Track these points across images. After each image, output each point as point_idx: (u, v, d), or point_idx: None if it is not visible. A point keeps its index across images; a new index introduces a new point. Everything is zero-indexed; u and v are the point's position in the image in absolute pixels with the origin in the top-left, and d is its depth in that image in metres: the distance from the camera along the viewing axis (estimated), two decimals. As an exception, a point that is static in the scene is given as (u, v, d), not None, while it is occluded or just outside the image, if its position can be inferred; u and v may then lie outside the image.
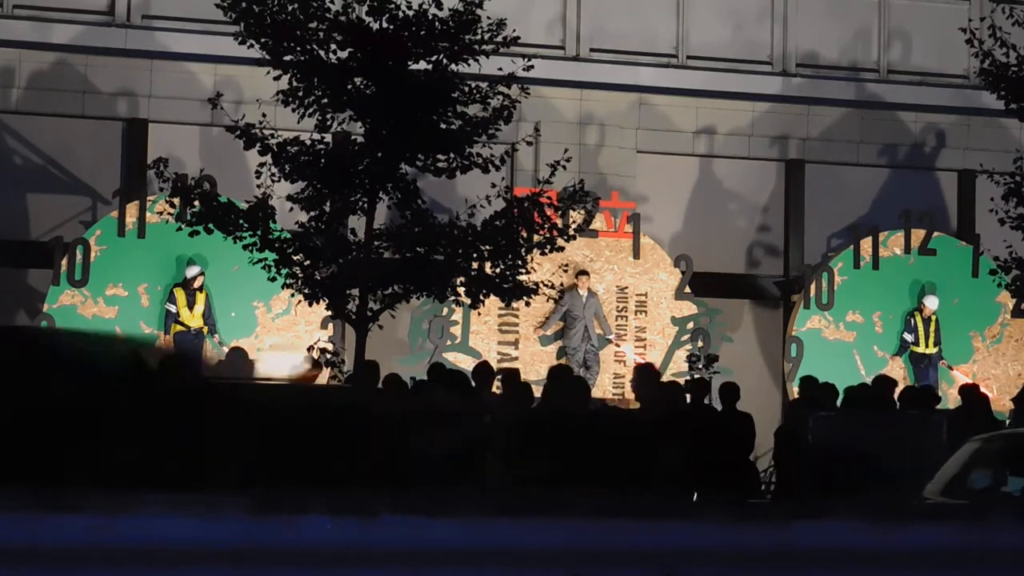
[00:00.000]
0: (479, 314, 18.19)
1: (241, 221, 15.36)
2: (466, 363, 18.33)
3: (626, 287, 20.54)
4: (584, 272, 20.07)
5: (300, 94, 15.33)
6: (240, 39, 15.63)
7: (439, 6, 15.32)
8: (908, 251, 21.40)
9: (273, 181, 15.49)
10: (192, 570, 4.82)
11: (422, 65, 15.52)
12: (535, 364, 19.68)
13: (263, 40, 15.37)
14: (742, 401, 14.88)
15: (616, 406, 18.07)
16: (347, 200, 15.48)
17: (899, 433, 14.72)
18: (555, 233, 15.74)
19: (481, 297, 15.71)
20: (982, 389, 17.53)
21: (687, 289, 20.64)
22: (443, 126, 15.41)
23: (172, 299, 18.88)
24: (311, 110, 15.37)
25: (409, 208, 15.45)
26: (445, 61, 15.48)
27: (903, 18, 22.68)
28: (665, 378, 19.35)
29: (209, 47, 19.64)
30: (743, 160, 22.13)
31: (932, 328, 20.88)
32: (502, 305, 17.47)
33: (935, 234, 21.54)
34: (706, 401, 15.26)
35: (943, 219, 22.25)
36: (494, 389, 14.74)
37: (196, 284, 18.88)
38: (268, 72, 15.62)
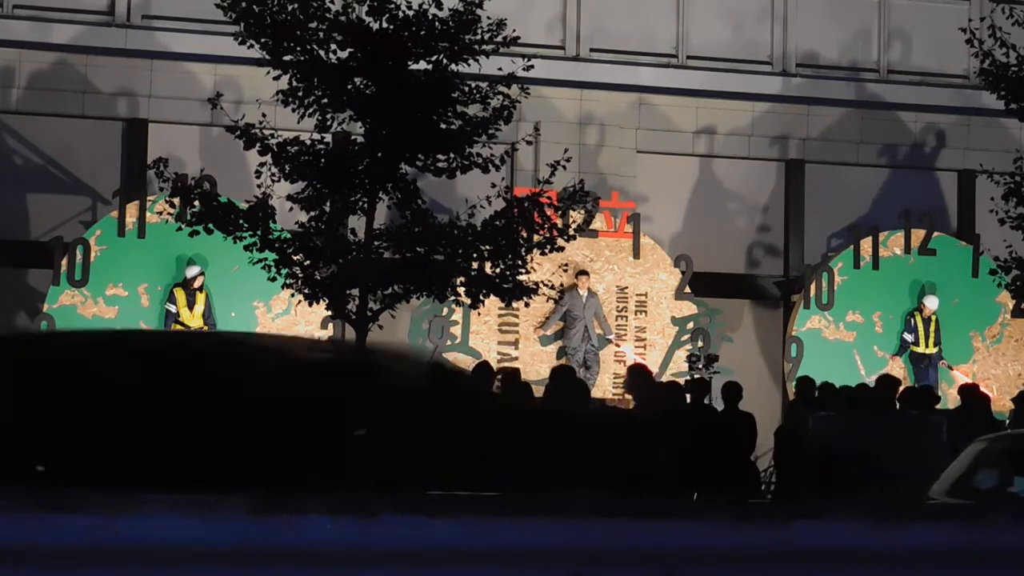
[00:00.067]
0: (479, 314, 18.19)
1: (241, 221, 15.36)
2: (466, 363, 18.33)
3: (626, 287, 20.54)
4: (584, 272, 20.07)
5: (300, 94, 15.32)
6: (240, 39, 15.63)
7: (439, 6, 15.31)
8: (908, 251, 21.40)
9: (273, 181, 15.49)
10: (192, 570, 4.81)
11: (422, 65, 15.51)
12: (535, 364, 19.68)
13: (263, 40, 15.37)
14: (742, 401, 14.88)
15: (616, 406, 18.09)
16: (347, 200, 15.48)
17: (899, 433, 14.72)
18: (555, 233, 15.74)
19: (481, 297, 15.70)
20: (982, 389, 17.54)
21: (687, 289, 20.65)
22: (443, 126, 15.40)
23: (172, 299, 18.88)
24: (311, 110, 15.37)
25: (409, 208, 15.45)
26: (445, 61, 15.47)
27: (903, 18, 22.69)
28: (665, 378, 19.38)
29: (209, 47, 19.64)
30: (743, 160, 22.14)
31: (932, 328, 20.89)
32: (502, 305, 17.47)
33: (935, 234, 21.54)
34: (706, 401, 15.26)
35: (943, 219, 22.25)
36: (494, 389, 14.74)
37: (196, 284, 18.88)
38: (268, 72, 15.62)
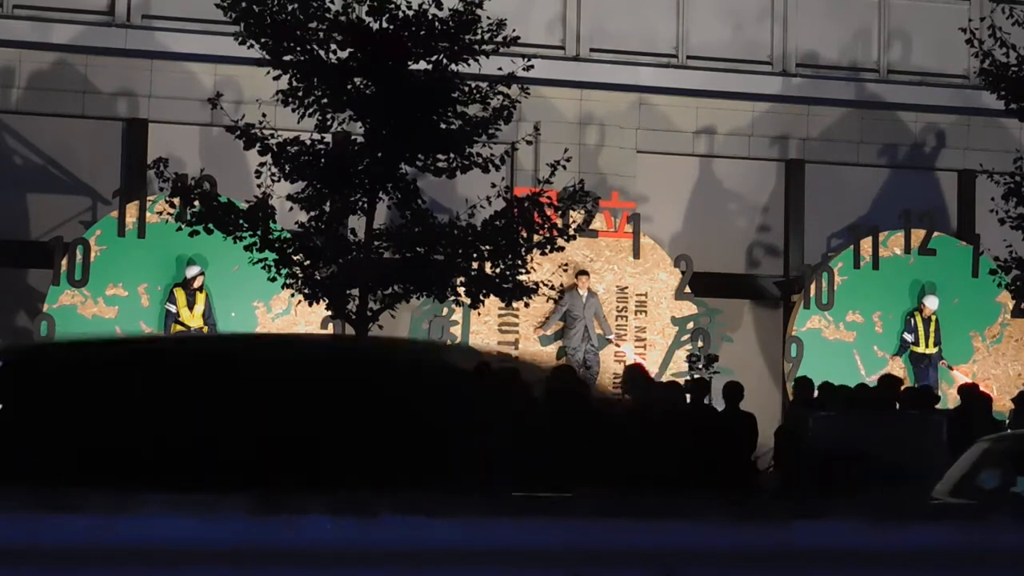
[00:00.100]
0: (479, 314, 18.19)
1: (241, 221, 15.36)
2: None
3: (626, 287, 20.54)
4: (584, 272, 20.07)
5: (300, 94, 15.33)
6: (240, 39, 15.63)
7: (439, 6, 15.31)
8: (908, 251, 21.40)
9: (273, 181, 15.49)
10: (192, 570, 4.81)
11: (422, 65, 15.52)
12: (535, 364, 19.67)
13: (263, 40, 15.37)
14: (743, 401, 14.89)
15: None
16: (347, 200, 15.48)
17: (899, 433, 14.73)
18: (555, 233, 15.74)
19: (481, 297, 15.71)
20: (982, 389, 17.54)
21: (687, 289, 20.65)
22: (443, 126, 15.40)
23: (172, 299, 18.88)
24: (311, 110, 15.37)
25: (409, 208, 15.45)
26: (445, 61, 15.47)
27: (903, 18, 22.69)
28: (665, 378, 19.39)
29: (209, 47, 19.64)
30: (743, 160, 22.14)
31: (932, 328, 20.89)
32: (502, 305, 17.47)
33: (935, 234, 21.54)
34: (706, 401, 15.27)
35: (943, 219, 22.26)
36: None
37: (196, 284, 18.88)
38: (268, 72, 15.62)
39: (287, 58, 15.37)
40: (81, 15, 20.19)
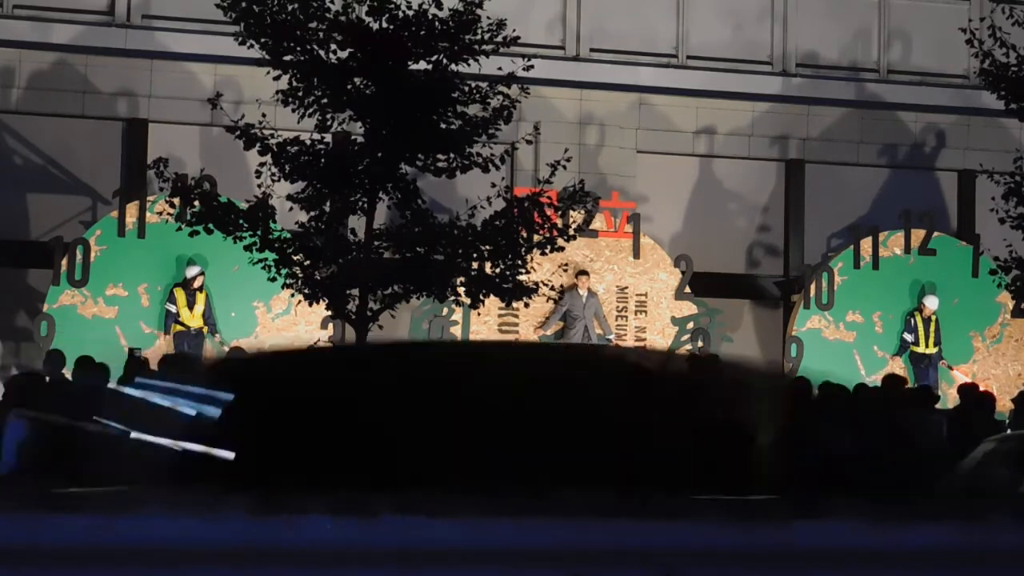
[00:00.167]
0: (479, 314, 18.18)
1: (241, 221, 15.36)
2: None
3: (626, 287, 20.55)
4: (584, 272, 20.08)
5: (300, 94, 15.32)
6: (240, 39, 15.63)
7: (439, 6, 15.31)
8: (908, 251, 21.40)
9: (273, 181, 15.49)
10: (192, 570, 4.81)
11: (422, 65, 15.51)
12: (535, 364, 19.66)
13: (263, 40, 15.37)
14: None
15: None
16: (347, 200, 15.48)
17: (899, 433, 14.69)
18: (555, 233, 15.74)
19: (481, 297, 15.71)
20: (982, 389, 17.53)
21: (687, 289, 20.65)
22: (443, 126, 15.40)
23: (172, 299, 18.88)
24: (311, 110, 15.37)
25: (409, 208, 15.45)
26: (445, 61, 15.47)
27: (903, 18, 22.69)
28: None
29: (209, 47, 19.64)
30: (743, 160, 22.14)
31: (932, 328, 20.89)
32: (502, 305, 17.47)
33: (935, 234, 21.55)
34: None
35: (943, 219, 22.26)
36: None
37: (196, 284, 18.88)
38: (268, 72, 15.62)
39: (287, 58, 15.37)
40: (81, 15, 20.20)
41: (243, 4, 15.28)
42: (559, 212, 16.06)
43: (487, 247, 15.50)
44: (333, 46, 15.42)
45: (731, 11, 22.07)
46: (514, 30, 15.80)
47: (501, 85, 15.57)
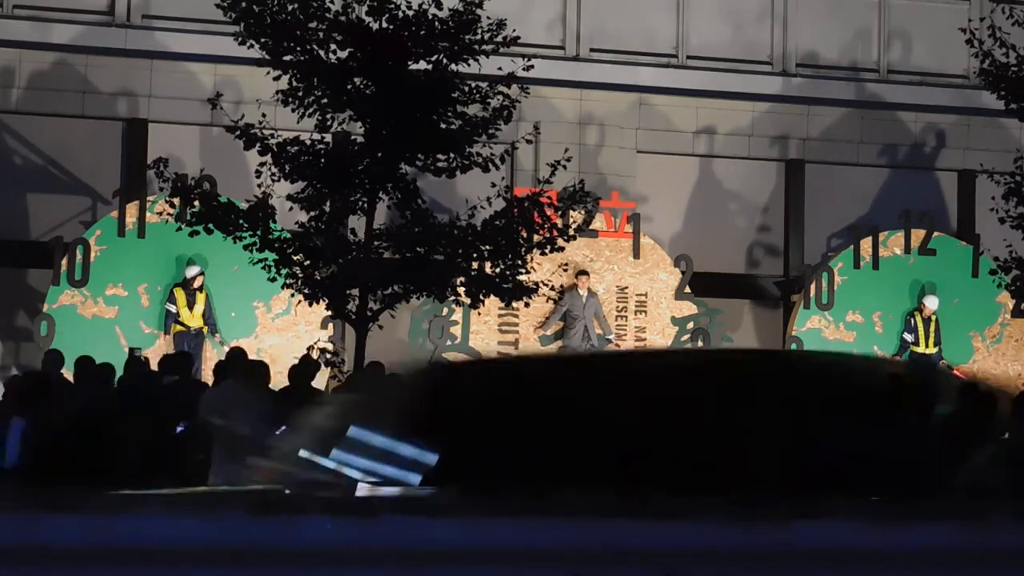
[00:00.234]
0: (479, 314, 18.19)
1: (241, 221, 15.35)
2: (466, 363, 18.32)
3: (626, 287, 20.55)
4: (584, 272, 20.08)
5: (300, 94, 15.32)
6: (240, 39, 15.62)
7: (439, 6, 15.31)
8: (908, 251, 21.40)
9: (273, 181, 15.48)
10: (192, 570, 4.81)
11: (422, 65, 15.51)
12: (535, 364, 19.66)
13: (263, 40, 15.36)
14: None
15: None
16: (347, 200, 15.47)
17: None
18: (555, 233, 15.73)
19: (481, 297, 15.70)
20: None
21: (687, 289, 20.65)
22: (443, 126, 15.40)
23: (172, 299, 18.88)
24: (311, 110, 15.36)
25: (409, 208, 15.44)
26: (445, 61, 15.47)
27: (903, 18, 22.69)
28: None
29: (209, 47, 19.64)
30: (743, 160, 22.14)
31: (932, 328, 20.89)
32: (502, 305, 17.46)
33: (935, 234, 21.54)
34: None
35: (943, 219, 22.26)
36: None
37: (196, 284, 18.88)
38: (268, 72, 15.61)
39: (287, 58, 15.36)
40: (81, 15, 20.20)
41: (243, 4, 15.28)
42: (559, 212, 16.05)
43: (487, 247, 15.50)
44: (333, 46, 15.41)
45: (731, 11, 22.07)
46: (514, 30, 15.79)
47: (501, 85, 15.57)
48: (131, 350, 17.00)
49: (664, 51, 21.91)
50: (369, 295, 15.50)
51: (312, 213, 15.44)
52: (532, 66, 15.77)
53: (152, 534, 4.85)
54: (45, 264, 19.08)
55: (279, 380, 15.13)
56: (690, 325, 20.55)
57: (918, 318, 20.90)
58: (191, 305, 18.87)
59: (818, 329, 20.90)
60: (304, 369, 14.72)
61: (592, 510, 5.15)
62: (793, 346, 20.76)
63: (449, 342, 19.87)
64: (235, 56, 16.95)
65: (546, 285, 16.53)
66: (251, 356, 15.65)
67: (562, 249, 16.15)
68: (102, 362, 14.90)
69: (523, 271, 15.74)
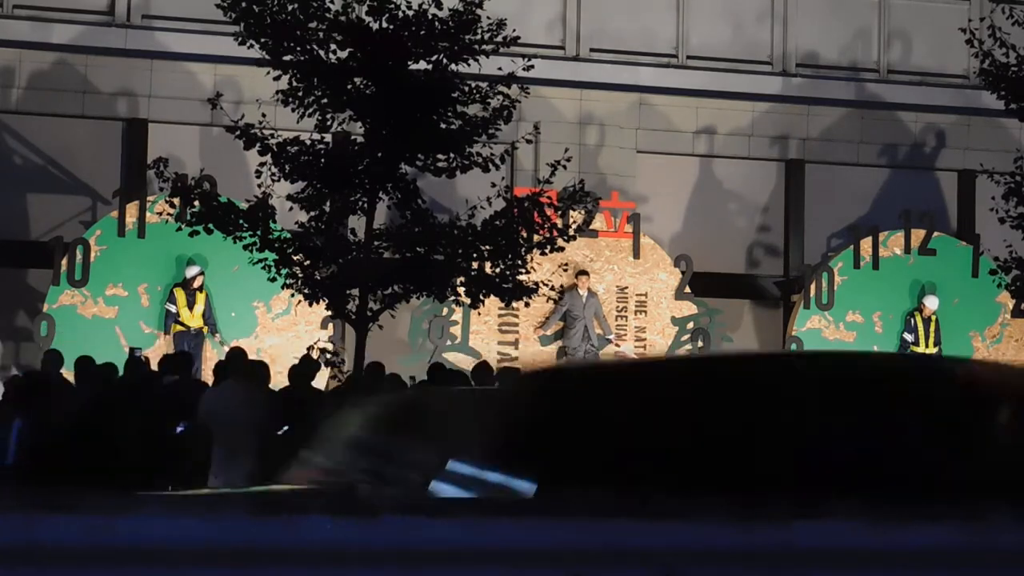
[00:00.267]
0: (479, 314, 18.19)
1: (241, 221, 15.34)
2: (466, 363, 18.35)
3: (626, 287, 20.55)
4: (584, 272, 20.08)
5: (300, 94, 15.31)
6: (240, 39, 15.61)
7: (439, 6, 15.30)
8: (908, 251, 21.41)
9: (273, 181, 15.47)
10: (192, 570, 4.81)
11: (422, 65, 15.50)
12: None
13: (263, 40, 15.36)
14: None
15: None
16: (347, 200, 15.47)
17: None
18: (555, 233, 15.73)
19: (481, 297, 15.70)
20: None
21: (687, 289, 20.65)
22: (443, 126, 15.39)
23: (172, 299, 18.88)
24: (311, 110, 15.35)
25: (409, 208, 15.44)
26: (445, 61, 15.46)
27: (903, 18, 22.70)
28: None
29: (209, 47, 19.65)
30: (743, 160, 22.15)
31: (932, 328, 20.90)
32: (502, 305, 17.46)
33: (935, 234, 21.55)
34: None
35: (943, 219, 22.27)
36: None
37: (196, 284, 18.88)
38: (268, 72, 15.61)
39: (287, 58, 15.35)
40: (81, 15, 20.20)
41: (243, 4, 15.27)
42: (559, 212, 16.04)
43: (487, 247, 15.49)
44: (333, 46, 15.41)
45: (731, 11, 22.07)
46: (514, 30, 15.78)
47: (501, 85, 15.56)
48: (131, 350, 17.00)
49: (664, 51, 21.91)
50: (369, 295, 15.49)
51: (312, 213, 15.43)
52: (532, 66, 15.76)
53: (152, 534, 4.84)
54: (45, 264, 19.09)
55: (279, 380, 15.14)
56: (690, 325, 20.55)
57: (918, 318, 20.91)
58: (191, 305, 18.87)
59: (818, 329, 20.91)
60: (304, 369, 14.73)
61: (592, 510, 5.15)
62: (793, 346, 20.77)
63: (449, 342, 19.87)
64: (235, 56, 16.94)
65: (546, 285, 16.52)
66: (251, 356, 15.67)
67: (562, 249, 16.14)
68: (105, 362, 14.91)
69: (523, 271, 15.73)
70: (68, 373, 15.59)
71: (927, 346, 20.81)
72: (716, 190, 22.13)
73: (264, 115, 15.67)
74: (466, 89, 15.47)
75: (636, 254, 20.57)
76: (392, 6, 15.29)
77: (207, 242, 16.65)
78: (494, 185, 16.05)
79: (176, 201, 16.19)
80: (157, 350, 18.08)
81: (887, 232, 21.39)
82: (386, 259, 15.69)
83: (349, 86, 15.38)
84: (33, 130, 20.18)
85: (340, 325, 18.24)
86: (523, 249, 15.72)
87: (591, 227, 18.35)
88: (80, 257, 18.78)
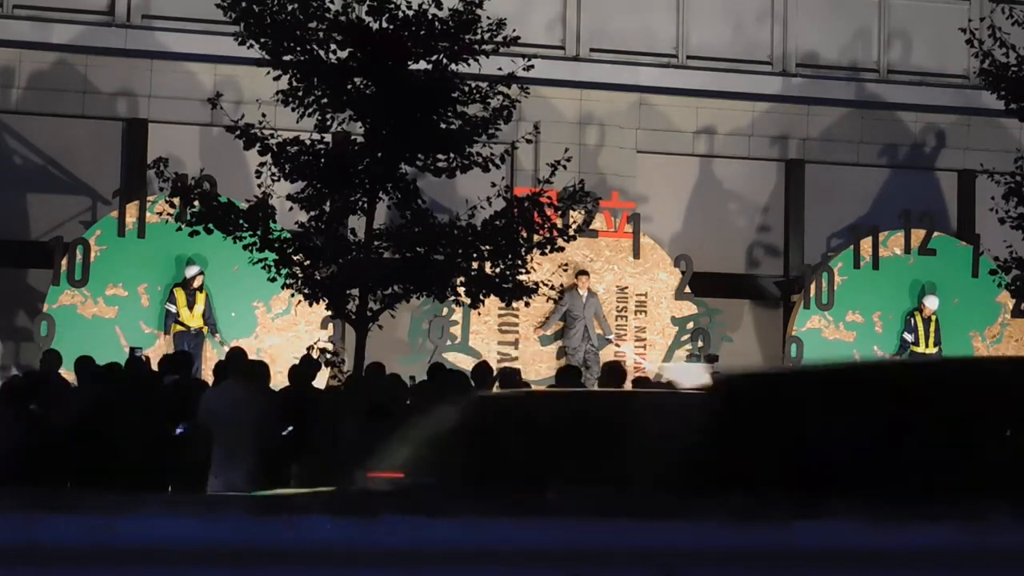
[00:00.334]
0: (479, 314, 18.18)
1: (241, 221, 15.33)
2: (466, 363, 18.34)
3: (626, 287, 20.55)
4: (584, 272, 20.08)
5: (300, 94, 15.29)
6: (240, 39, 15.60)
7: (439, 6, 15.29)
8: (908, 251, 21.41)
9: (273, 181, 15.46)
10: (192, 570, 4.81)
11: (422, 65, 15.50)
12: (535, 364, 19.68)
13: (263, 40, 15.34)
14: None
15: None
16: (347, 200, 15.46)
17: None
18: (555, 233, 15.71)
19: (481, 297, 15.68)
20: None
21: (687, 289, 20.65)
22: (443, 126, 15.38)
23: (172, 299, 18.88)
24: (311, 110, 15.34)
25: (409, 208, 15.42)
26: (445, 61, 15.45)
27: (903, 18, 22.69)
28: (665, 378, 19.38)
29: (209, 47, 19.64)
30: (743, 160, 22.14)
31: (932, 328, 20.89)
32: (502, 305, 17.45)
33: (935, 234, 21.55)
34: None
35: (943, 219, 22.26)
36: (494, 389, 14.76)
37: (196, 284, 18.88)
38: (268, 72, 15.60)
39: (287, 58, 15.34)
40: (81, 15, 20.20)
41: (243, 4, 15.25)
42: (559, 212, 16.03)
43: (487, 247, 15.47)
44: (333, 46, 15.39)
45: (731, 11, 22.07)
46: (514, 30, 15.77)
47: (501, 85, 15.55)
48: (131, 350, 17.01)
49: (664, 51, 21.91)
50: (369, 295, 15.48)
51: (312, 213, 15.42)
52: (532, 66, 15.75)
53: (152, 534, 4.84)
54: (45, 264, 19.08)
55: (279, 380, 15.14)
56: (690, 325, 20.55)
57: (918, 318, 20.90)
58: (191, 305, 18.87)
59: (818, 329, 20.91)
60: (304, 369, 14.74)
61: (592, 510, 5.15)
62: (793, 346, 20.78)
63: (449, 342, 19.87)
64: (235, 56, 16.93)
65: (546, 285, 16.51)
66: (251, 356, 15.68)
67: (562, 249, 16.13)
68: (110, 362, 14.91)
69: (523, 271, 15.72)
70: (68, 373, 15.60)
71: (927, 346, 20.81)
72: (716, 190, 22.13)
73: (264, 115, 15.65)
74: (466, 89, 15.45)
75: (636, 254, 20.57)
76: (392, 6, 15.28)
77: (207, 242, 16.64)
78: (494, 185, 16.04)
79: (176, 201, 16.17)
80: (157, 350, 18.08)
81: (887, 232, 21.39)
82: (386, 259, 15.68)
83: (349, 86, 15.36)
84: (33, 130, 20.18)
85: (340, 325, 18.24)
86: (523, 249, 15.70)
87: (591, 227, 18.34)
88: (80, 257, 18.78)
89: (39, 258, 19.32)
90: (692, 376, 17.43)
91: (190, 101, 19.90)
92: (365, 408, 13.76)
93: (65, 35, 20.03)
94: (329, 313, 16.61)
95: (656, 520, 5.15)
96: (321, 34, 15.33)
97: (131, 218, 19.01)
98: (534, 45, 19.04)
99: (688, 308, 20.65)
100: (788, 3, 22.23)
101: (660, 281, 20.62)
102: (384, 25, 15.32)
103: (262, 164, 15.47)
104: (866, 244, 21.22)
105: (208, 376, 16.55)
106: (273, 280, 15.60)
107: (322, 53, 15.38)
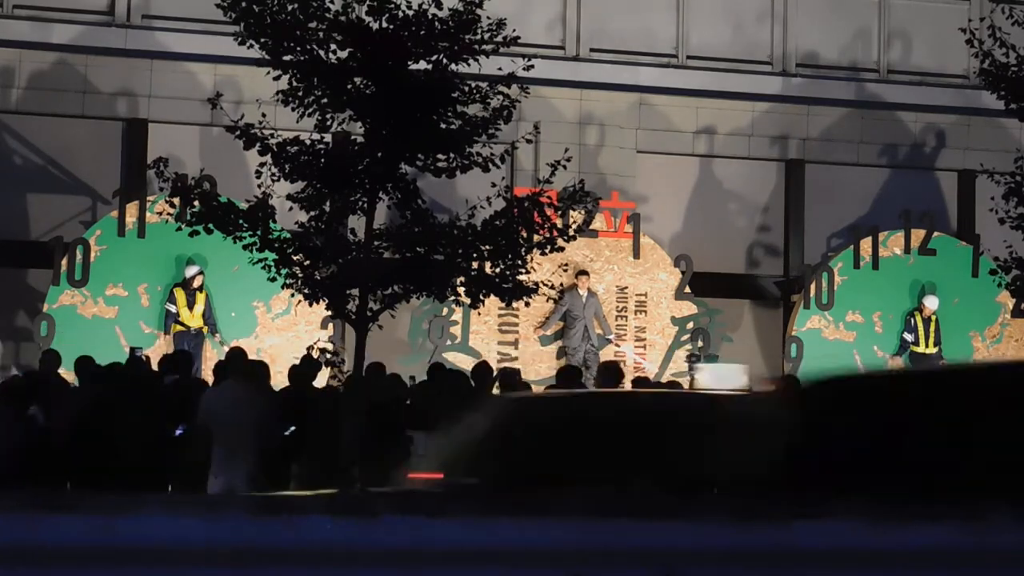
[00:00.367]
0: (479, 314, 18.18)
1: (241, 221, 15.32)
2: (466, 363, 18.34)
3: (626, 287, 20.55)
4: (584, 272, 20.08)
5: (300, 94, 15.29)
6: (240, 39, 15.60)
7: (439, 6, 15.29)
8: (908, 251, 21.41)
9: (273, 181, 15.46)
10: (192, 570, 4.81)
11: (422, 65, 15.49)
12: (535, 364, 19.68)
13: (263, 40, 15.34)
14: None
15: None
16: (347, 200, 15.45)
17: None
18: (555, 233, 15.71)
19: (481, 297, 15.68)
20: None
21: (687, 289, 20.65)
22: (443, 126, 15.37)
23: (172, 299, 18.88)
24: (311, 110, 15.33)
25: (409, 208, 15.42)
26: (445, 61, 15.44)
27: (903, 18, 22.69)
28: (665, 378, 19.40)
29: (209, 47, 19.64)
30: (743, 160, 22.14)
31: (932, 328, 20.90)
32: (502, 305, 17.45)
33: (935, 234, 21.55)
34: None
35: (943, 219, 22.27)
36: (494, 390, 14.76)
37: (196, 284, 18.88)
38: (268, 72, 15.59)
39: (287, 58, 15.33)
40: (81, 15, 20.20)
41: (243, 4, 15.25)
42: (559, 212, 16.03)
43: (487, 247, 15.47)
44: (333, 46, 15.38)
45: (731, 11, 22.07)
46: (514, 30, 15.77)
47: (501, 85, 15.54)
48: (131, 350, 17.01)
49: (664, 51, 21.91)
50: (369, 295, 15.48)
51: (312, 213, 15.41)
52: (532, 66, 15.74)
53: (152, 534, 4.84)
54: (45, 264, 19.09)
55: (279, 380, 15.14)
56: (690, 325, 20.55)
57: (918, 318, 20.90)
58: (191, 305, 18.87)
59: (818, 329, 20.91)
60: (304, 369, 14.74)
61: (592, 510, 5.15)
62: (793, 346, 20.78)
63: (449, 342, 19.87)
64: (235, 56, 16.93)
65: (546, 285, 16.51)
66: (251, 356, 15.68)
67: (562, 249, 16.12)
68: (112, 362, 14.91)
69: (523, 271, 15.71)
70: (68, 373, 15.60)
71: (927, 346, 20.82)
72: (716, 190, 22.13)
73: (264, 115, 15.65)
74: (466, 89, 15.45)
75: (636, 254, 20.57)
76: (392, 6, 15.27)
77: (207, 242, 16.63)
78: (494, 185, 16.04)
79: (176, 201, 16.16)
80: (157, 350, 18.08)
81: (887, 232, 21.39)
82: (386, 259, 15.68)
83: (349, 86, 15.36)
84: (33, 130, 20.18)
85: (340, 325, 18.24)
86: (523, 249, 15.69)
87: (591, 227, 18.34)
88: (80, 257, 18.78)
89: (39, 258, 19.32)
90: (726, 378, 17.40)
91: (190, 101, 19.90)
92: (365, 408, 13.78)
93: (65, 35, 20.03)
94: (329, 313, 16.60)
95: (656, 520, 5.15)
96: (321, 34, 15.33)
97: (131, 218, 19.01)
98: (534, 45, 19.04)
99: (688, 308, 20.65)
100: (788, 3, 22.24)
101: (660, 281, 20.62)
102: (384, 25, 15.31)
103: (262, 164, 15.47)
104: (866, 244, 21.22)
105: (208, 376, 16.54)
106: (273, 280, 15.60)
107: (322, 53, 15.38)
